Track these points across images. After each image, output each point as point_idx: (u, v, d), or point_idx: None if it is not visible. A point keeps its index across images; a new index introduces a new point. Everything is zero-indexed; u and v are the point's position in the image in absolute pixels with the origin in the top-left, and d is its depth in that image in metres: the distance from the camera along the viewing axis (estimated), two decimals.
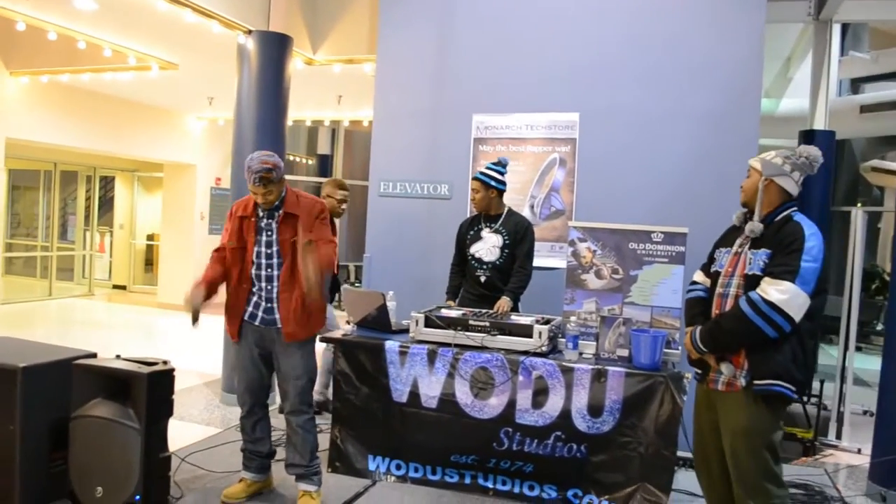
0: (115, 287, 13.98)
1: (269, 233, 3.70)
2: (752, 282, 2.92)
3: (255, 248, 3.71)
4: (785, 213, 2.99)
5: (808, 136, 8.30)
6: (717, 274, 3.13)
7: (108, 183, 14.43)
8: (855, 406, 5.93)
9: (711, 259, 3.27)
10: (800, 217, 2.95)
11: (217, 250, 3.88)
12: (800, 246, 2.81)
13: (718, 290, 3.08)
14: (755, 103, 4.99)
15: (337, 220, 5.23)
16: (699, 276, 3.32)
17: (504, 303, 4.43)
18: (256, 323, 3.74)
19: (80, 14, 6.18)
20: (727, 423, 3.02)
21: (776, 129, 10.47)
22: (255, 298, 3.74)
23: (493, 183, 4.58)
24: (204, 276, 3.77)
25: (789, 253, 2.83)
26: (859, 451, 5.31)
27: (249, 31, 5.82)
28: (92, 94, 9.62)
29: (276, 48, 5.86)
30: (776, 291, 2.80)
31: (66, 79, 8.67)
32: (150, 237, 13.99)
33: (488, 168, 4.62)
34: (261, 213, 3.73)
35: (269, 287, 3.71)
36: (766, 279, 2.84)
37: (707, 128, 4.94)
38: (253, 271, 3.72)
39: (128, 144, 10.54)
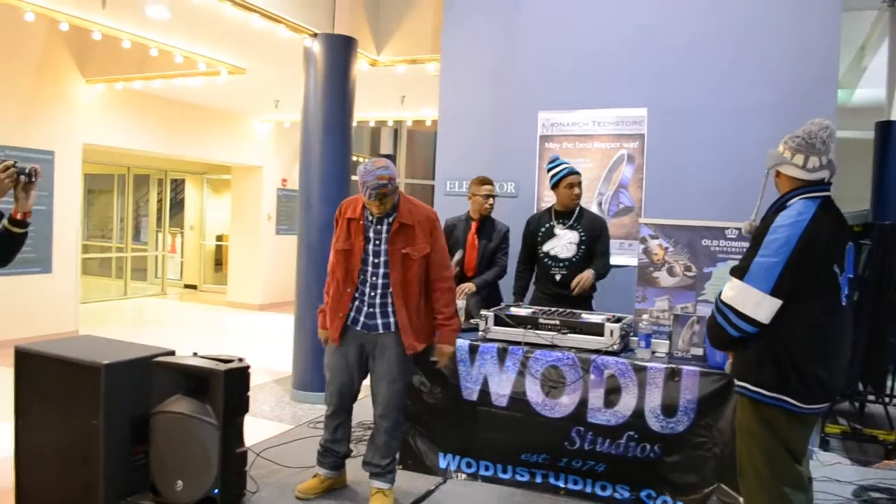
0: (187, 286, 14.35)
1: (378, 241, 3.66)
2: None
3: (362, 255, 3.67)
4: (785, 200, 2.82)
5: (885, 128, 8.04)
6: None
7: (178, 185, 14.81)
8: None
9: None
10: (792, 205, 2.76)
11: (331, 272, 3.86)
12: (760, 241, 2.71)
13: None
14: (831, 95, 4.84)
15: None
16: None
17: (588, 273, 4.38)
18: (358, 328, 3.72)
19: (153, 22, 6.36)
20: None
21: (850, 120, 10.15)
22: (356, 303, 3.71)
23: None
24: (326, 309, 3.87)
25: (751, 247, 2.76)
26: None
27: (315, 34, 5.90)
28: (163, 100, 9.91)
29: (341, 50, 5.94)
30: (727, 289, 2.78)
31: (138, 85, 8.93)
32: (220, 238, 14.32)
33: (566, 163, 4.59)
34: (370, 218, 3.68)
35: (372, 293, 3.67)
36: None
37: (780, 121, 4.79)
38: (359, 276, 3.70)
39: (197, 148, 10.82)
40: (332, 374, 3.84)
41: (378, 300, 3.68)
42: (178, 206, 14.86)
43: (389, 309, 3.69)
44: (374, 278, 3.67)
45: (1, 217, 3.04)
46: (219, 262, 14.41)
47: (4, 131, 7.76)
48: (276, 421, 5.48)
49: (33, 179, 3.02)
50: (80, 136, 8.74)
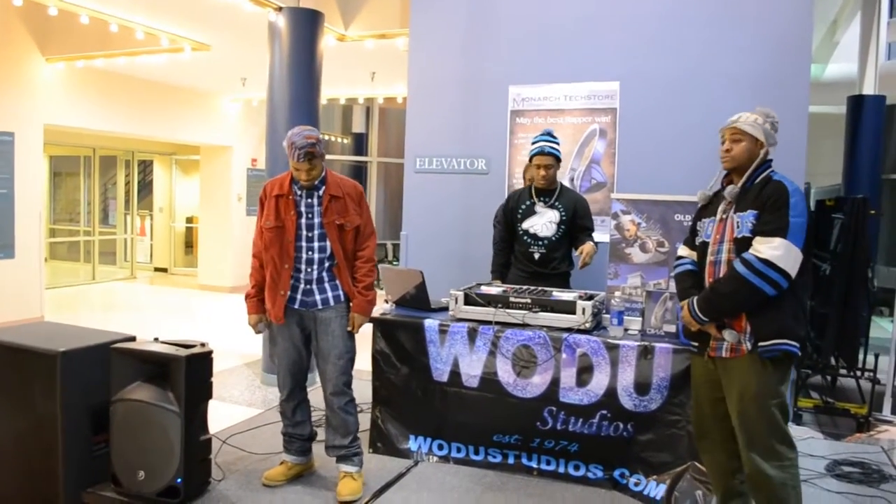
0: (157, 270, 14.15)
1: (311, 214, 3.62)
2: (742, 244, 2.92)
3: (296, 231, 3.63)
4: (764, 174, 3.01)
5: (856, 102, 8.03)
6: (705, 244, 3.12)
7: (146, 167, 14.55)
8: None
9: (694, 232, 3.28)
10: (779, 176, 2.98)
11: (255, 255, 3.80)
12: (785, 202, 2.84)
13: (709, 258, 3.08)
14: (804, 66, 4.78)
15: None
16: (684, 251, 3.32)
17: (590, 246, 4.26)
18: (296, 306, 3.67)
19: None
20: (734, 388, 2.97)
21: (823, 95, 10.15)
22: (292, 281, 3.66)
23: (560, 156, 4.46)
24: (254, 294, 3.81)
25: (776, 210, 2.85)
26: None
27: (280, 8, 5.74)
28: (127, 79, 9.64)
29: (307, 25, 5.78)
30: (769, 248, 2.81)
31: (100, 64, 8.67)
32: (190, 220, 14.10)
33: (547, 140, 4.41)
34: (299, 193, 3.65)
35: (308, 269, 3.64)
36: (758, 238, 2.86)
37: (755, 93, 4.74)
38: (293, 252, 3.64)
39: (164, 128, 10.57)
40: (280, 356, 3.79)
41: (315, 275, 3.65)
42: (146, 187, 14.61)
43: (326, 284, 3.67)
44: (309, 253, 3.63)
45: None
46: (189, 244, 14.20)
47: None
48: (246, 405, 5.38)
49: None
50: (41, 116, 8.49)
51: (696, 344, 3.18)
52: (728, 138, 3.08)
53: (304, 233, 3.63)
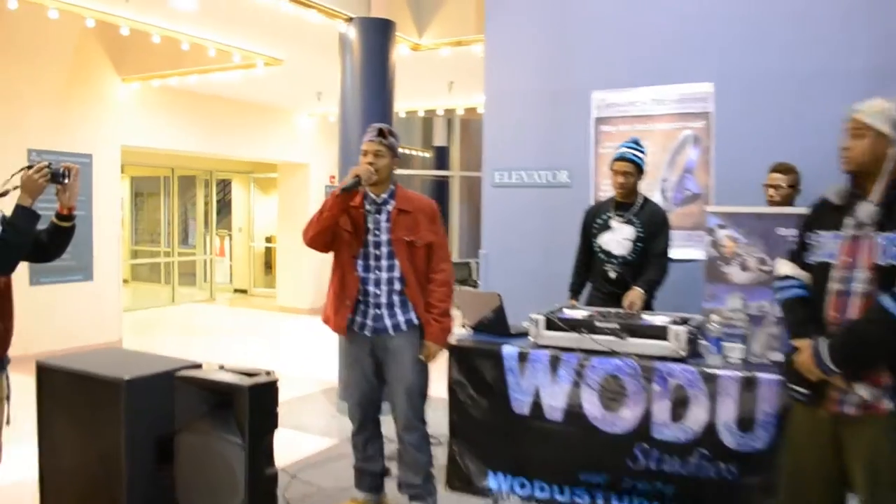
0: (237, 291, 14.21)
1: (378, 231, 3.44)
2: (886, 274, 2.35)
3: (362, 249, 3.45)
4: None
5: None
6: (825, 266, 2.51)
7: (225, 186, 14.73)
8: None
9: (803, 246, 2.65)
10: None
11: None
12: None
13: (836, 286, 2.46)
14: None
15: None
16: (790, 269, 2.69)
17: (636, 295, 3.94)
18: (367, 333, 3.48)
19: (180, 14, 6.22)
20: (862, 453, 2.42)
21: None
22: (361, 306, 3.47)
23: (644, 166, 4.13)
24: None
25: None
26: None
27: (350, 19, 5.63)
28: (202, 97, 9.75)
29: (378, 35, 5.68)
30: None
31: (175, 82, 8.78)
32: (269, 239, 14.16)
33: (631, 147, 4.12)
34: (368, 207, 3.48)
35: (377, 292, 3.43)
36: None
37: (868, 89, 4.28)
38: (360, 273, 3.45)
39: (240, 146, 10.64)
40: (351, 387, 3.64)
41: (384, 299, 3.45)
42: (225, 207, 14.77)
43: (397, 308, 3.46)
44: (377, 272, 3.44)
45: (37, 218, 3.04)
46: (269, 264, 14.25)
47: (40, 135, 7.68)
48: (320, 435, 5.20)
49: (67, 180, 3.09)
50: (118, 137, 8.64)
51: (804, 392, 2.58)
52: (848, 133, 2.51)
53: (372, 250, 3.45)
